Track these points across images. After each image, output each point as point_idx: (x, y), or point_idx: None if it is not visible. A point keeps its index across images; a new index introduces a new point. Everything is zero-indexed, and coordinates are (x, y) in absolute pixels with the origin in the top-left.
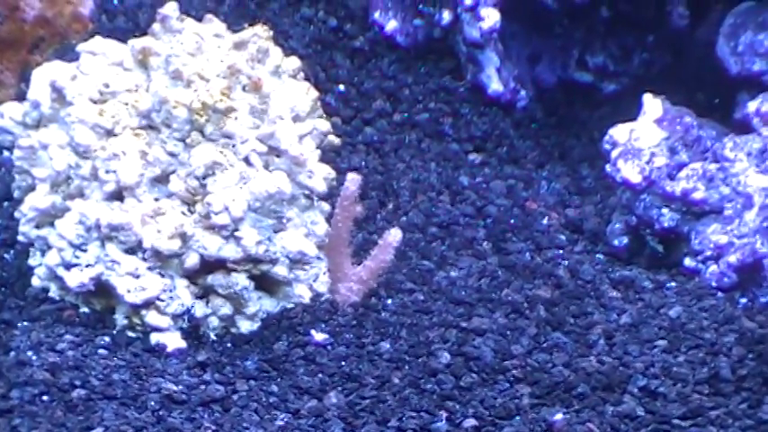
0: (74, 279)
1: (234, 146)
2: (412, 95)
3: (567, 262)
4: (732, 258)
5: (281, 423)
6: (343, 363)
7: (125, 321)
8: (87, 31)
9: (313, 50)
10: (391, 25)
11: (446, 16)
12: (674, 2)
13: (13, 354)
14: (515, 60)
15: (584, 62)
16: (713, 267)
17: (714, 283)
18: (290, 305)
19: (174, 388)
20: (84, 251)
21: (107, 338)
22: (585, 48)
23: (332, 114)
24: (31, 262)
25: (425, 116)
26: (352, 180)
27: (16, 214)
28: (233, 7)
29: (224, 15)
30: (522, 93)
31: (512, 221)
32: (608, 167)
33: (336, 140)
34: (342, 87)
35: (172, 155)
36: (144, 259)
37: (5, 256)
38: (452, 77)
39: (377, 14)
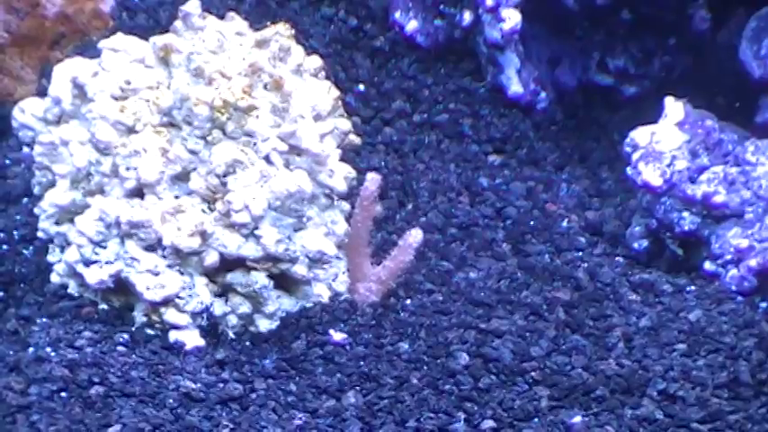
0: (93, 276)
1: (255, 144)
2: (432, 96)
3: (586, 264)
4: (752, 262)
5: (299, 422)
6: (361, 363)
7: (144, 319)
8: (108, 29)
9: (333, 50)
10: (412, 25)
11: (467, 17)
12: (696, 5)
13: (31, 350)
14: (536, 62)
15: (604, 65)
16: (733, 271)
17: (734, 287)
18: (309, 304)
19: (193, 386)
20: (104, 248)
21: (126, 336)
22: (606, 50)
23: (351, 114)
24: (51, 258)
25: (445, 117)
26: (373, 180)
27: (36, 210)
28: (254, 6)
29: (245, 14)
30: (543, 95)
31: (531, 223)
32: (629, 170)
33: (357, 140)
34: (362, 87)
35: (192, 152)
36: (163, 257)
37: (25, 252)
38: (472, 78)
39: (397, 14)
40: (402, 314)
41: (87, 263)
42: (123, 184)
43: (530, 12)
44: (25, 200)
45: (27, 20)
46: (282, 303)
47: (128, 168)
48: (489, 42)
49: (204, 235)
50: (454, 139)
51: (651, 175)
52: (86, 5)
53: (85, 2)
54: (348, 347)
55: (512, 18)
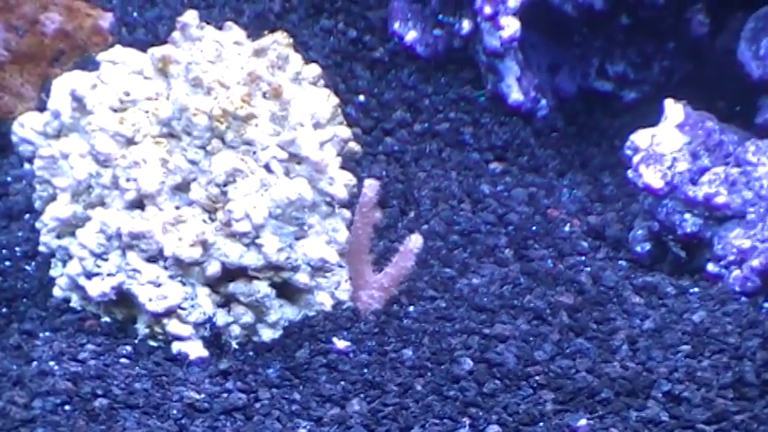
0: (95, 288)
1: (254, 153)
2: (432, 105)
3: (589, 268)
4: (755, 263)
5: (304, 431)
6: (365, 370)
7: (146, 330)
8: (107, 44)
9: (333, 62)
10: (411, 36)
11: (466, 26)
12: (695, 9)
13: (35, 364)
14: (535, 70)
15: (604, 71)
16: (736, 272)
17: (737, 288)
18: (312, 313)
19: (197, 396)
20: (106, 260)
21: (129, 348)
22: (605, 56)
23: (352, 125)
24: (53, 272)
25: (446, 126)
26: (371, 186)
27: (37, 224)
28: (252, 18)
29: (243, 27)
30: (543, 102)
31: (533, 229)
32: (630, 173)
33: (357, 147)
34: (362, 98)
35: (192, 162)
36: (165, 268)
37: (27, 267)
38: (472, 87)
39: (396, 25)
40: (405, 321)
41: (89, 275)
42: (124, 196)
43: (528, 19)
44: (27, 216)
45: (26, 37)
46: (285, 312)
47: (128, 180)
48: (488, 51)
49: (205, 245)
50: (455, 148)
51: (652, 177)
52: (85, 22)
53: (84, 18)
54: (351, 355)
55: (510, 26)
